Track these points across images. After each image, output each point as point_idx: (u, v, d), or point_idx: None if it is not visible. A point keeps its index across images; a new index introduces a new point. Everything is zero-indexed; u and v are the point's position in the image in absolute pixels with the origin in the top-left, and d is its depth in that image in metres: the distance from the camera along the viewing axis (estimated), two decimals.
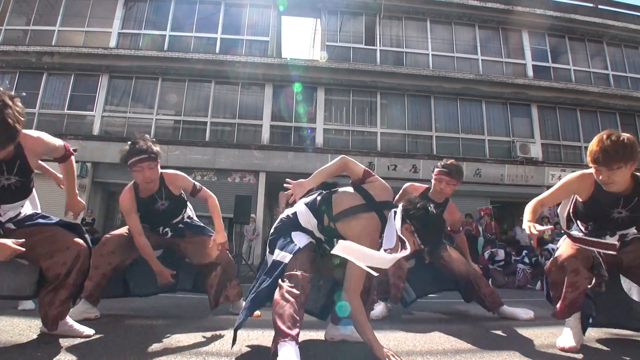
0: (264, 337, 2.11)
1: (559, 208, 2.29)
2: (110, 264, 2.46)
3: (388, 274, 2.91)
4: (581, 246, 1.99)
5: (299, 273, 1.69)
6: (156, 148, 2.40)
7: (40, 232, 1.84)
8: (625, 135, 1.82)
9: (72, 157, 2.10)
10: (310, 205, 1.90)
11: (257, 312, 2.48)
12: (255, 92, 11.15)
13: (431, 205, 1.77)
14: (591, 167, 1.93)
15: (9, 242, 1.55)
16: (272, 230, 1.98)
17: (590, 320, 2.07)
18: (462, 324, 2.81)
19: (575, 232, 2.16)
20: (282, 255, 1.78)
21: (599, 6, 12.40)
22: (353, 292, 1.74)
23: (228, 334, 2.11)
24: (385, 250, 1.65)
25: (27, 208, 1.97)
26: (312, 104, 11.07)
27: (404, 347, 1.99)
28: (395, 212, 1.75)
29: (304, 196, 1.97)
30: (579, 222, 2.15)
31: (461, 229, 3.07)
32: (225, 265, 2.68)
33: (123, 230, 2.63)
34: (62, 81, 10.79)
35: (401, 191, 3.01)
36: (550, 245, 7.15)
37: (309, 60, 12.38)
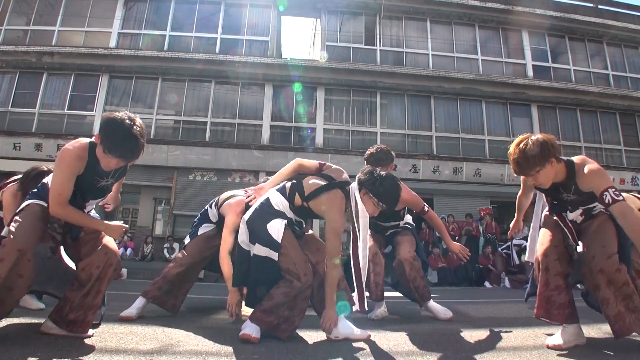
0: (264, 337, 2.11)
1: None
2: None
3: (369, 273, 2.94)
4: (551, 231, 2.15)
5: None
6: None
7: (89, 232, 1.96)
8: (532, 140, 1.90)
9: None
10: (280, 190, 2.21)
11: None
12: (255, 92, 11.15)
13: (377, 169, 2.17)
14: None
15: (119, 223, 1.94)
16: (251, 213, 2.18)
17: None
18: (462, 324, 2.81)
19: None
20: (267, 251, 2.04)
21: (599, 6, 12.40)
22: (331, 259, 2.05)
23: (228, 334, 2.12)
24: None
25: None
26: (312, 104, 11.07)
27: (404, 347, 1.99)
28: (353, 187, 2.15)
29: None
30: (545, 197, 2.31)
31: (426, 208, 2.97)
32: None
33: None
34: (62, 81, 10.80)
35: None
36: (515, 241, 7.33)
37: (309, 60, 12.38)
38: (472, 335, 2.33)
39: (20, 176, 2.78)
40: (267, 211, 2.13)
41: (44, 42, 10.73)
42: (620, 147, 11.79)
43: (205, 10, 11.45)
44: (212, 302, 3.63)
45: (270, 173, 2.79)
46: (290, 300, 2.00)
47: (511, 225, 2.69)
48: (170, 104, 10.77)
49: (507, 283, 7.14)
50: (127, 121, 1.78)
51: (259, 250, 2.04)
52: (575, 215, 2.12)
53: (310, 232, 2.44)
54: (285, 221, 2.11)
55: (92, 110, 10.54)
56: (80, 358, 1.59)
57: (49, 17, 11.03)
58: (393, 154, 3.17)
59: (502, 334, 2.40)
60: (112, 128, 1.77)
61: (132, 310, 2.53)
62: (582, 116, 11.77)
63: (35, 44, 10.63)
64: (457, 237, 8.59)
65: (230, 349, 1.83)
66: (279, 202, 2.16)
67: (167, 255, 9.05)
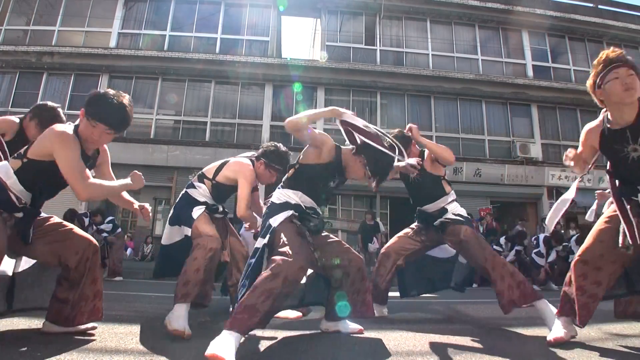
0: (263, 337, 2.11)
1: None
2: None
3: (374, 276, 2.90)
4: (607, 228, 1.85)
5: (278, 258, 1.75)
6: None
7: (43, 231, 1.89)
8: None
9: None
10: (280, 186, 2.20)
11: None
12: (255, 92, 11.15)
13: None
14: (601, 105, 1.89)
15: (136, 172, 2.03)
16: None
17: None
18: (462, 324, 2.81)
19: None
20: (258, 241, 1.96)
21: (599, 6, 12.40)
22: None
23: None
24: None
25: None
26: (312, 104, 11.07)
27: (404, 347, 1.99)
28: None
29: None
30: (615, 180, 1.96)
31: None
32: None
33: None
34: (62, 81, 10.79)
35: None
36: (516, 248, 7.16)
37: (309, 60, 12.38)
38: (472, 335, 2.33)
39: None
40: (273, 210, 2.10)
41: (44, 42, 10.73)
42: None
43: (205, 10, 11.46)
44: (212, 302, 3.62)
45: None
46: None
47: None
48: (170, 104, 10.77)
49: None
50: (116, 93, 1.85)
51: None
52: None
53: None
54: (290, 213, 2.02)
55: None
56: (81, 358, 1.59)
57: (49, 17, 11.02)
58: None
59: (502, 334, 2.40)
60: (101, 98, 1.83)
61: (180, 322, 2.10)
62: (582, 116, 11.76)
63: (35, 44, 10.63)
64: None
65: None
66: (282, 195, 2.13)
67: None
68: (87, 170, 1.85)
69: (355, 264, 2.15)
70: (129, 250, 10.22)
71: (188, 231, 2.46)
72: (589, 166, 2.09)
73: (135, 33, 11.24)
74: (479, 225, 9.23)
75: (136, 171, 2.07)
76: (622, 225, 1.76)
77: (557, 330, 2.03)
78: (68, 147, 1.75)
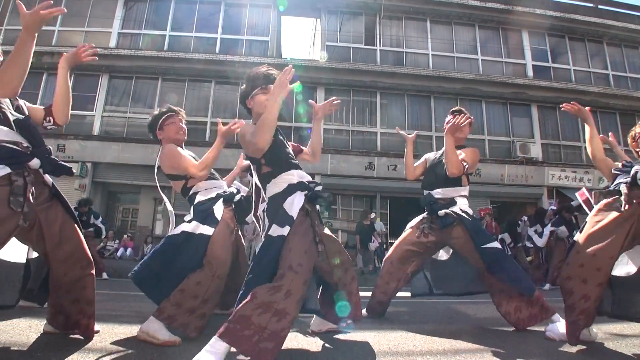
0: None
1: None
2: None
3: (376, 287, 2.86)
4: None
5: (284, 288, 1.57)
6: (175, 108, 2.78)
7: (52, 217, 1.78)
8: None
9: None
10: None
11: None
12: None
13: None
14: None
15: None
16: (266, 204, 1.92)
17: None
18: (462, 324, 2.81)
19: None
20: (278, 230, 1.72)
21: (599, 6, 12.39)
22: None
23: None
24: None
25: None
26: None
27: (404, 347, 1.99)
28: None
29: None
30: None
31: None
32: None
33: None
34: None
35: None
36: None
37: (309, 60, 12.37)
38: (472, 335, 2.33)
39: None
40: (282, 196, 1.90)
41: (44, 42, 10.72)
42: (621, 147, 11.77)
43: (205, 10, 11.45)
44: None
45: None
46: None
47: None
48: (170, 104, 10.74)
49: None
50: None
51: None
52: None
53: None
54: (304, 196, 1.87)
55: (92, 110, 10.55)
56: (81, 358, 1.59)
57: None
58: None
59: (501, 334, 2.39)
60: None
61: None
62: None
63: (35, 44, 10.61)
64: None
65: (231, 349, 1.82)
66: (286, 176, 1.95)
67: None
68: None
69: (348, 264, 2.10)
70: (129, 250, 10.21)
71: (206, 230, 2.14)
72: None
73: (135, 33, 11.23)
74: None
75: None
76: None
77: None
78: None
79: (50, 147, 1.85)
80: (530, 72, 11.79)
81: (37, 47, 1.83)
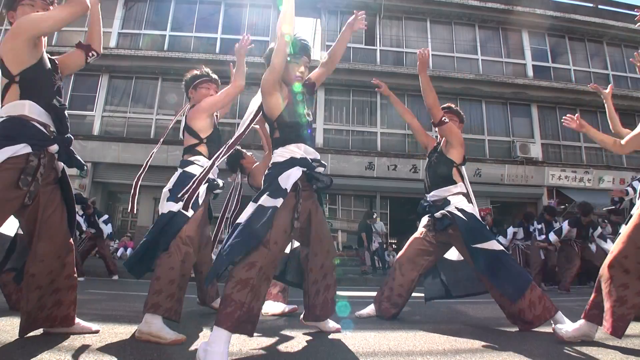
0: (264, 337, 2.11)
1: None
2: None
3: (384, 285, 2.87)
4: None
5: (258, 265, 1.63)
6: (214, 76, 2.73)
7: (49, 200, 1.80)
8: None
9: None
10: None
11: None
12: (255, 92, 11.06)
13: None
14: None
15: None
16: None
17: None
18: (462, 324, 2.81)
19: None
20: (270, 201, 1.73)
21: (599, 6, 12.40)
22: None
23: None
24: None
25: None
26: (311, 103, 11.08)
27: (404, 347, 1.99)
28: None
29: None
30: None
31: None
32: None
33: None
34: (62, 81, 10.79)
35: None
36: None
37: None
38: (472, 335, 2.33)
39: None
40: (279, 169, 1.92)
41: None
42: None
43: (205, 11, 11.46)
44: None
45: None
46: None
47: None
48: (170, 104, 10.76)
49: None
50: None
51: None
52: None
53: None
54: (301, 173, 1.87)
55: (92, 110, 10.55)
56: (81, 358, 1.59)
57: None
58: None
59: (502, 334, 2.39)
60: None
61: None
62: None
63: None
64: None
65: (231, 349, 1.82)
66: (287, 150, 1.99)
67: None
68: None
69: (333, 255, 2.13)
70: (129, 250, 10.22)
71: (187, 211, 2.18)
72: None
73: (135, 33, 11.24)
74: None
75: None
76: None
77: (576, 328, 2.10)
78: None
79: (72, 137, 1.89)
80: (530, 72, 11.80)
81: None
